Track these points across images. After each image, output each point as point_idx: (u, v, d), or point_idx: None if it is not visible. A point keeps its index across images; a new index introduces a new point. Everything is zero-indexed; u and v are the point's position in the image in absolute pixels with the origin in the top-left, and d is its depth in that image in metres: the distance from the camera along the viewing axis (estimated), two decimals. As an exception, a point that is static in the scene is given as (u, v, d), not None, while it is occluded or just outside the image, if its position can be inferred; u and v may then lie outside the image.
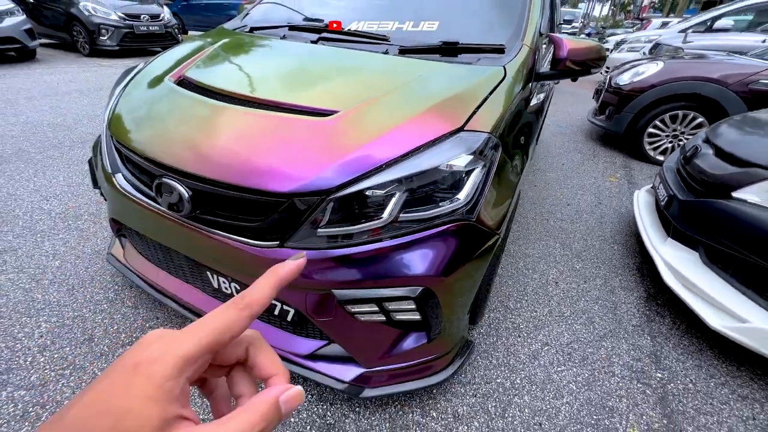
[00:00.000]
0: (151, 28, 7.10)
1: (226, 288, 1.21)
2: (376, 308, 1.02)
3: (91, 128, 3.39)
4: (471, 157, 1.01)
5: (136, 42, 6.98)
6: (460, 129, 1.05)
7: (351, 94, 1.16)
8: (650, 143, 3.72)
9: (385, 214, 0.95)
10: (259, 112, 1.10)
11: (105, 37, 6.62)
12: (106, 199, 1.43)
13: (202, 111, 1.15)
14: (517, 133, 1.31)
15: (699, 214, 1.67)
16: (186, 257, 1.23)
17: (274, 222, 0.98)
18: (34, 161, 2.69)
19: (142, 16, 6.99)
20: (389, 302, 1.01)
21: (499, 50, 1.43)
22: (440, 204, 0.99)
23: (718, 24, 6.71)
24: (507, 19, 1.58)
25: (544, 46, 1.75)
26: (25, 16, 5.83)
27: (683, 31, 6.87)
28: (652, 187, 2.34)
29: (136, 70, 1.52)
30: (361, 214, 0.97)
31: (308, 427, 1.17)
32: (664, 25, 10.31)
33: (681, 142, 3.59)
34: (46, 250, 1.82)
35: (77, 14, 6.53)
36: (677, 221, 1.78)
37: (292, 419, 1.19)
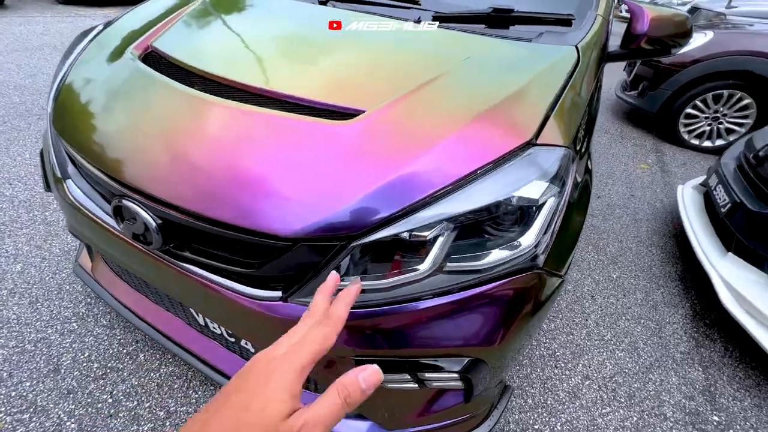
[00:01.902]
0: (131, -28, 6.34)
1: (214, 328, 0.97)
2: (408, 377, 0.79)
3: (63, 92, 3.00)
4: (547, 184, 0.73)
5: (116, -12, 6.27)
6: (530, 142, 0.76)
7: (377, 85, 0.86)
8: (686, 125, 3.38)
9: (427, 264, 0.69)
10: (254, 111, 0.79)
11: (80, -18, 5.91)
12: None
13: (174, 104, 0.84)
14: (585, 136, 1.02)
15: (775, 230, 1.42)
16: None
17: (274, 270, 0.72)
18: (-3, 133, 2.35)
19: (120, -42, 6.22)
20: (426, 372, 0.78)
21: (566, 22, 1.10)
22: (500, 248, 0.72)
23: (762, -14, 6.05)
24: (575, -21, 1.22)
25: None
26: (-14, -46, 5.14)
27: (722, -7, 6.23)
28: (701, 184, 2.06)
29: (92, 35, 1.18)
30: (394, 263, 0.71)
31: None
32: (697, -15, 9.45)
33: (721, 125, 3.26)
34: (6, 249, 1.56)
35: (47, -47, 5.79)
36: (743, 234, 1.53)
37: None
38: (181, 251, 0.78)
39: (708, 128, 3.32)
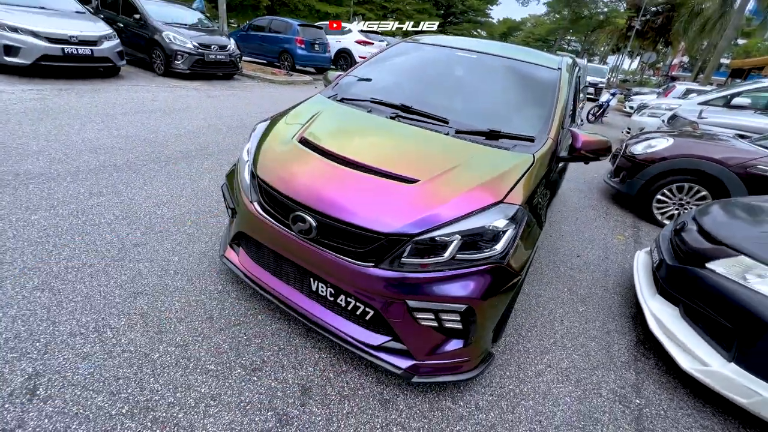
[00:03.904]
0: (218, 56, 8.07)
1: (322, 291, 1.70)
2: (433, 316, 1.50)
3: (178, 146, 4.06)
4: (507, 221, 1.51)
5: (205, 68, 7.94)
6: (501, 201, 1.56)
7: (426, 167, 1.69)
8: (658, 208, 4.14)
9: (446, 254, 1.45)
10: (366, 175, 1.63)
11: (179, 62, 7.58)
12: (232, 218, 1.98)
13: (324, 167, 1.69)
14: (538, 203, 1.81)
15: (681, 278, 2.10)
16: (294, 265, 1.73)
17: (372, 250, 1.49)
18: (141, 172, 3.32)
19: (212, 46, 7.99)
20: (442, 313, 1.49)
21: (530, 140, 1.95)
22: (483, 250, 1.48)
23: (735, 101, 7.19)
24: (538, 116, 2.12)
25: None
26: (119, 40, 6.81)
27: (702, 103, 7.36)
28: (650, 250, 2.76)
29: (266, 125, 2.10)
30: (431, 252, 1.47)
31: (371, 400, 1.62)
32: (688, 93, 10.84)
33: (686, 210, 4.00)
34: (166, 247, 2.37)
35: (159, 41, 7.54)
36: (664, 281, 2.20)
37: (360, 391, 1.64)
38: (323, 239, 1.56)
39: (676, 211, 4.06)
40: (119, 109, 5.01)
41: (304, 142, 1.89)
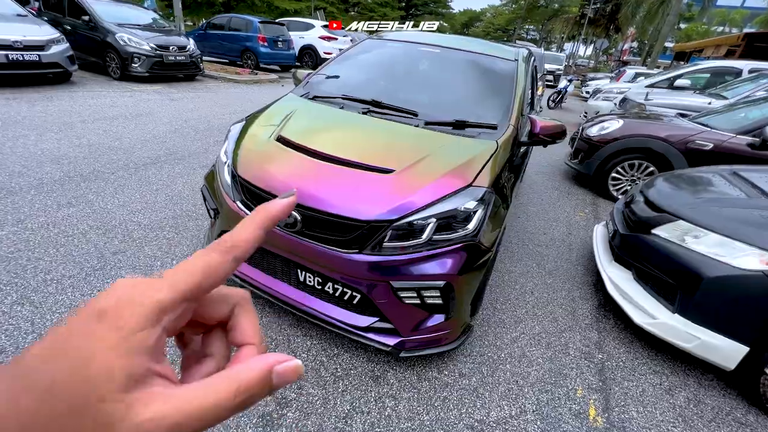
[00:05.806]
0: (178, 58, 7.81)
1: (309, 281, 1.80)
2: (415, 294, 1.63)
3: (146, 152, 3.97)
4: (476, 202, 1.66)
5: (165, 70, 7.66)
6: (470, 185, 1.70)
7: (400, 158, 1.81)
8: (614, 185, 4.49)
9: (424, 236, 1.58)
10: (344, 168, 1.73)
11: (137, 65, 7.27)
12: (214, 219, 2.02)
13: (304, 163, 1.78)
14: (504, 185, 1.97)
15: (632, 244, 2.35)
16: (280, 259, 1.81)
17: (355, 238, 1.60)
18: (110, 180, 3.24)
19: (171, 48, 7.71)
20: (424, 290, 1.62)
21: (493, 127, 2.12)
22: (457, 230, 1.62)
23: (677, 82, 7.78)
24: (499, 105, 2.28)
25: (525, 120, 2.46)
26: (68, 44, 6.45)
27: (649, 86, 7.91)
28: (606, 223, 3.03)
29: (241, 126, 2.15)
30: (410, 236, 1.59)
31: (364, 377, 1.74)
32: (637, 76, 11.56)
33: (638, 185, 4.36)
34: (147, 253, 2.37)
35: (113, 43, 7.19)
36: (618, 249, 2.45)
37: (352, 371, 1.76)
38: (307, 231, 1.65)
39: (629, 187, 4.41)
40: (77, 117, 4.79)
41: (281, 140, 1.95)
